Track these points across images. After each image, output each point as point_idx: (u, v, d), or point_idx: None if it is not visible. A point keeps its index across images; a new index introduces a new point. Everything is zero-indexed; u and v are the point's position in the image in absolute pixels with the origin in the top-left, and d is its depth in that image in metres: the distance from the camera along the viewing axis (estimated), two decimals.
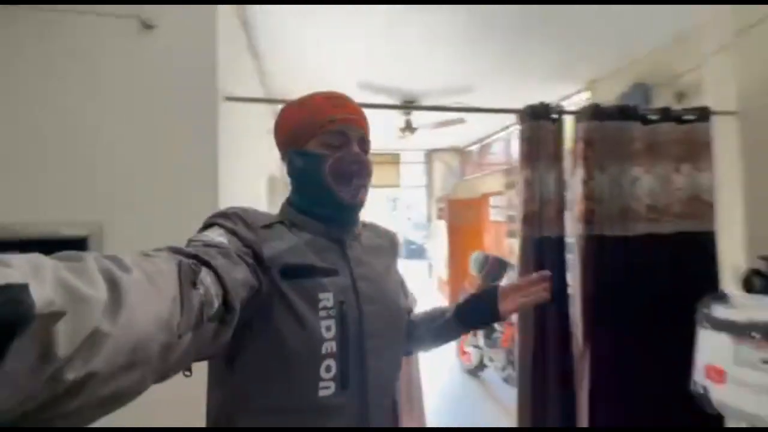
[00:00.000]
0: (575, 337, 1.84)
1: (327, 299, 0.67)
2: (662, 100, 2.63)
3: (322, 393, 0.65)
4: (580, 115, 1.91)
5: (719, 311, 1.32)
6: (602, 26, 2.47)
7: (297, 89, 1.02)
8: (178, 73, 1.56)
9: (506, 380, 3.55)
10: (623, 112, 1.91)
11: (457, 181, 6.08)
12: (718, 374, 1.15)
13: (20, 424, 0.30)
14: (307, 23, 2.39)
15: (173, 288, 0.44)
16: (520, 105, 1.89)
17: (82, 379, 0.32)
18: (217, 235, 0.61)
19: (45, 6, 1.45)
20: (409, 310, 0.91)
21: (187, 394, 0.81)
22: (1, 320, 0.26)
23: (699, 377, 1.30)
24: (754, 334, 1.09)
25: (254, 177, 2.64)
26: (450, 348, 4.29)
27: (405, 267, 2.43)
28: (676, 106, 2.42)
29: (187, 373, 0.69)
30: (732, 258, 1.99)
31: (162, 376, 0.43)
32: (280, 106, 0.84)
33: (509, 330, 3.40)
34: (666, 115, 1.96)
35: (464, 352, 4.16)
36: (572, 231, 1.91)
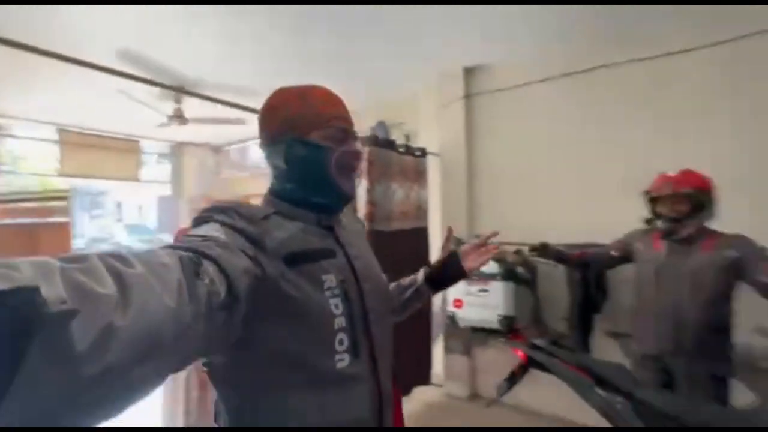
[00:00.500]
0: None
1: (330, 280, 0.71)
2: (396, 136, 3.76)
3: (339, 365, 0.69)
4: (366, 140, 2.55)
5: None
6: (369, 70, 3.27)
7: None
8: None
9: None
10: (388, 144, 2.69)
11: (216, 181, 5.77)
12: (459, 302, 1.98)
13: (42, 423, 0.31)
14: None
15: (178, 279, 0.45)
16: None
17: (100, 372, 0.34)
18: (212, 230, 0.61)
19: None
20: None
21: None
22: (17, 321, 0.28)
23: (450, 308, 2.17)
24: (474, 276, 2.01)
25: None
26: None
27: None
28: (406, 143, 3.56)
29: (205, 368, 0.68)
30: (435, 243, 3.21)
31: (176, 367, 0.46)
32: None
33: None
34: (408, 149, 2.93)
35: None
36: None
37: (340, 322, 0.70)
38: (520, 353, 1.66)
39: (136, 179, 5.20)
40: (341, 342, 0.69)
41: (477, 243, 1.01)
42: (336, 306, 0.70)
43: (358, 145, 0.80)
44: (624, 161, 2.45)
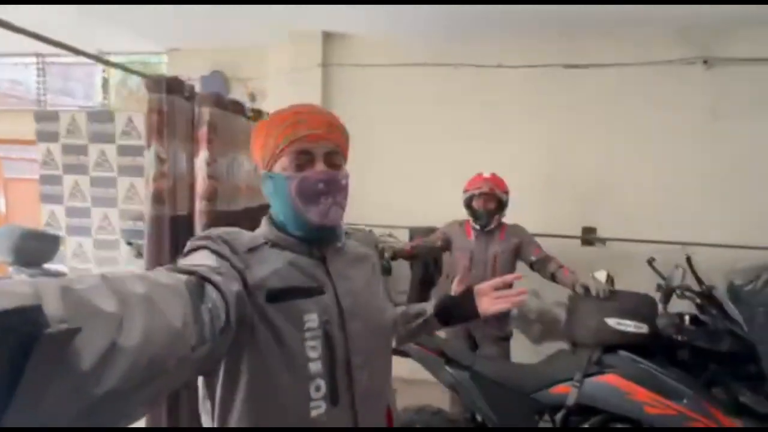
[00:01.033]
0: None
1: (312, 320, 0.67)
2: (238, 94, 3.21)
3: (314, 413, 0.66)
4: (203, 99, 2.04)
5: None
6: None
7: None
8: None
9: None
10: (237, 107, 2.25)
11: None
12: None
13: None
14: None
15: (184, 303, 0.46)
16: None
17: (105, 393, 0.33)
18: (204, 258, 0.61)
19: None
20: (394, 318, 0.89)
21: None
22: (19, 339, 0.27)
23: None
24: None
25: None
26: None
27: None
28: (252, 106, 3.10)
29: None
30: None
31: (175, 389, 0.46)
32: None
33: None
34: (258, 116, 2.53)
35: None
36: (197, 207, 2.05)
37: (316, 366, 0.66)
38: None
39: None
40: (317, 388, 0.66)
41: (494, 284, 0.91)
42: (313, 348, 0.66)
43: (321, 164, 0.72)
44: (463, 154, 2.80)
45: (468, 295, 0.91)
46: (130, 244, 2.78)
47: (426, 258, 2.57)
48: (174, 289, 0.46)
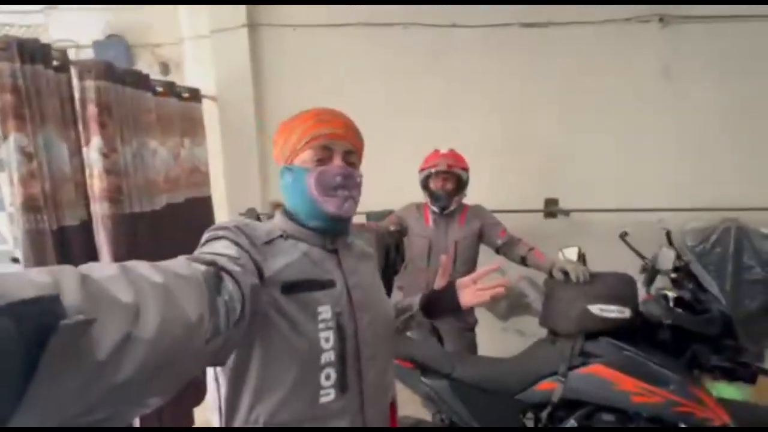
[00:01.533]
0: None
1: (325, 311, 0.70)
2: (145, 64, 2.64)
3: (323, 400, 0.69)
4: (87, 69, 1.55)
5: None
6: None
7: None
8: None
9: None
10: (137, 79, 1.77)
11: None
12: None
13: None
14: None
15: (201, 295, 0.46)
16: None
17: (121, 383, 0.34)
18: (224, 247, 0.62)
19: None
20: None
21: None
22: (36, 329, 0.27)
23: None
24: None
25: None
26: None
27: None
28: (162, 77, 2.56)
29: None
30: (221, 215, 2.56)
31: (188, 380, 0.45)
32: None
33: None
34: (171, 89, 2.05)
35: None
36: (95, 211, 1.61)
37: (328, 356, 0.70)
38: None
39: None
40: (327, 377, 0.70)
41: (475, 277, 0.93)
42: (326, 339, 0.70)
43: (340, 160, 0.77)
44: (413, 125, 2.54)
45: (450, 289, 0.93)
46: (16, 261, 2.23)
47: (386, 244, 2.34)
48: (191, 280, 0.46)
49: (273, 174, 2.69)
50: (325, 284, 0.72)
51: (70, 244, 1.42)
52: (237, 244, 0.64)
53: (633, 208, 2.38)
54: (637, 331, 1.45)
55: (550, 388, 1.39)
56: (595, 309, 1.39)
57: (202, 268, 0.51)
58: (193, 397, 1.97)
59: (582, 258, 1.71)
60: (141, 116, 1.80)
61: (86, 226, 1.50)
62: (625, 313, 1.39)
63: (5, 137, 1.26)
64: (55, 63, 1.37)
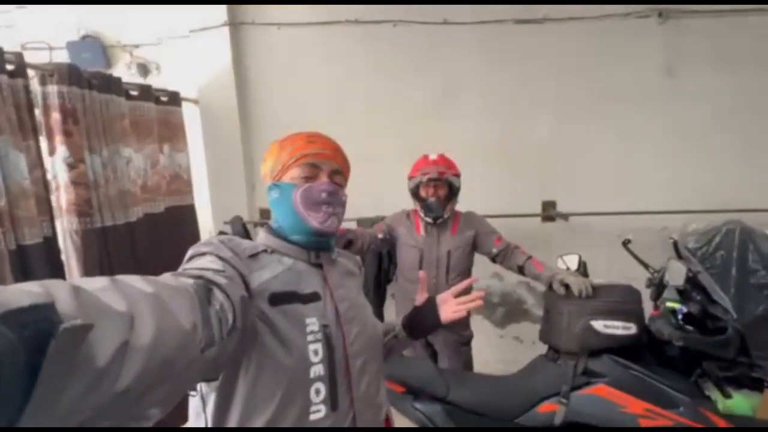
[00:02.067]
0: None
1: (312, 323, 0.70)
2: (123, 66, 2.51)
3: (313, 416, 0.68)
4: (48, 74, 1.44)
5: None
6: None
7: None
8: None
9: None
10: (106, 82, 1.66)
11: None
12: None
13: None
14: None
15: (193, 305, 0.46)
16: None
17: (122, 391, 0.34)
18: (209, 262, 0.62)
19: None
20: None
21: None
22: (34, 336, 0.27)
23: None
24: None
25: None
26: None
27: None
28: (142, 79, 2.44)
29: (193, 393, 0.69)
30: (206, 224, 2.45)
31: (183, 393, 0.48)
32: None
33: None
34: (147, 93, 1.94)
35: None
36: (63, 227, 1.49)
37: (317, 370, 0.69)
38: None
39: None
40: (317, 392, 0.68)
41: (454, 291, 0.93)
42: (315, 352, 0.69)
43: (326, 177, 0.79)
44: (404, 128, 2.43)
45: (430, 305, 0.92)
46: None
47: (378, 252, 2.23)
48: (181, 291, 0.46)
49: (260, 180, 2.57)
50: (311, 297, 0.72)
51: (30, 264, 1.31)
52: (221, 258, 0.64)
53: (634, 210, 2.30)
54: (643, 348, 1.36)
55: (552, 410, 1.30)
56: (599, 325, 1.30)
57: (190, 281, 0.51)
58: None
59: (583, 267, 1.62)
60: (113, 122, 1.69)
61: (50, 244, 1.39)
62: (631, 329, 1.30)
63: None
64: (9, 67, 1.25)
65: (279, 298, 0.68)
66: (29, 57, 1.37)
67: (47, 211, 1.40)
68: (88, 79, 1.56)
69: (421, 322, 0.92)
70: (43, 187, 1.38)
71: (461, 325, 1.78)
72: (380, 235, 1.80)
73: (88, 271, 1.51)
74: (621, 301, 1.34)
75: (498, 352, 2.66)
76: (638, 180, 2.38)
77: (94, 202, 1.56)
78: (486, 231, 1.76)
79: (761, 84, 2.26)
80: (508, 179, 2.46)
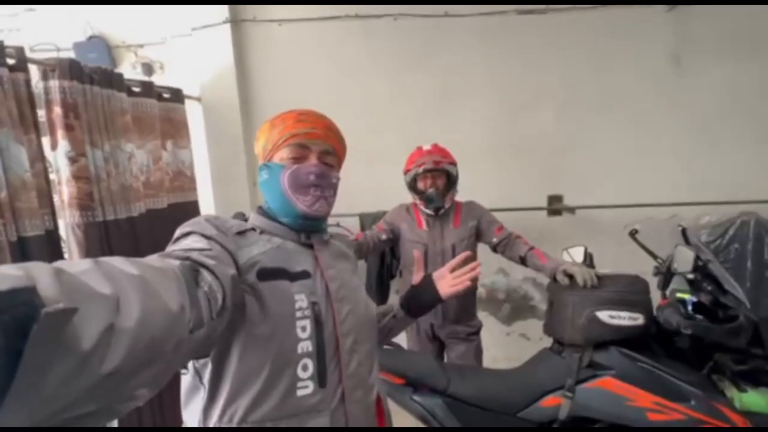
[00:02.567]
0: None
1: (301, 300, 0.69)
2: (128, 66, 2.54)
3: (300, 392, 0.67)
4: (50, 69, 1.46)
5: None
6: None
7: None
8: None
9: None
10: (107, 78, 1.67)
11: None
12: None
13: (49, 423, 0.31)
14: None
15: (180, 286, 0.46)
16: None
17: (108, 374, 0.33)
18: (194, 242, 0.62)
19: None
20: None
21: None
22: (15, 321, 0.26)
23: None
24: None
25: None
26: None
27: None
28: (148, 78, 2.46)
29: (184, 371, 0.69)
30: None
31: (172, 373, 0.45)
32: None
33: None
34: (149, 90, 1.95)
35: None
36: (65, 221, 1.51)
37: (305, 346, 0.68)
38: None
39: None
40: (305, 368, 0.68)
41: (451, 266, 0.93)
42: (303, 329, 0.68)
43: (315, 159, 0.77)
44: (406, 121, 2.41)
45: (428, 282, 0.93)
46: None
47: (381, 248, 2.21)
48: (167, 272, 0.46)
49: None
50: (300, 275, 0.72)
51: (32, 256, 1.32)
52: (205, 236, 0.63)
53: (643, 203, 2.24)
54: (651, 340, 1.31)
55: (556, 404, 1.26)
56: (604, 316, 1.26)
57: (176, 262, 0.50)
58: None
59: (589, 258, 1.57)
60: (114, 118, 1.70)
61: (52, 236, 1.40)
62: (638, 319, 1.26)
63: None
64: (10, 61, 1.27)
65: (267, 273, 0.68)
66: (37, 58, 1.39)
67: (49, 204, 1.41)
68: (89, 74, 1.57)
69: (420, 299, 0.91)
70: (45, 181, 1.39)
71: (467, 316, 1.75)
72: (383, 236, 1.78)
73: None
74: (627, 291, 1.30)
75: (505, 350, 2.60)
76: (647, 172, 2.32)
77: (95, 196, 1.57)
78: (488, 220, 1.73)
79: None
80: (513, 173, 2.42)
